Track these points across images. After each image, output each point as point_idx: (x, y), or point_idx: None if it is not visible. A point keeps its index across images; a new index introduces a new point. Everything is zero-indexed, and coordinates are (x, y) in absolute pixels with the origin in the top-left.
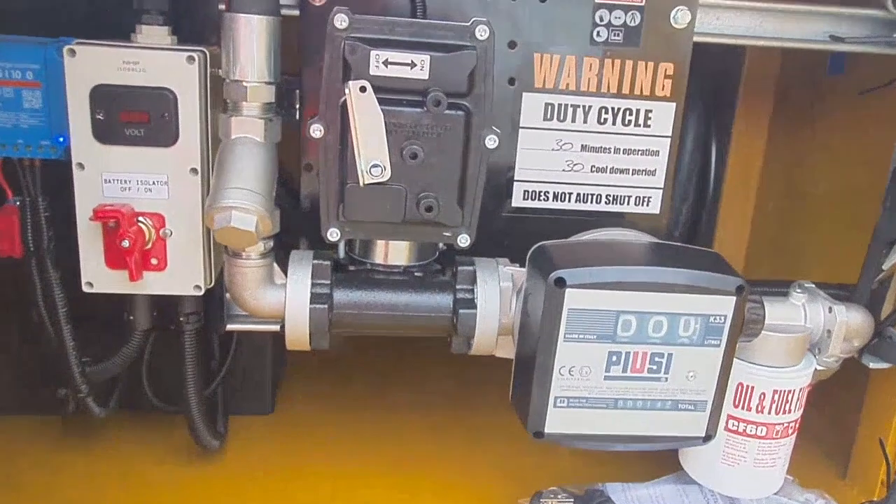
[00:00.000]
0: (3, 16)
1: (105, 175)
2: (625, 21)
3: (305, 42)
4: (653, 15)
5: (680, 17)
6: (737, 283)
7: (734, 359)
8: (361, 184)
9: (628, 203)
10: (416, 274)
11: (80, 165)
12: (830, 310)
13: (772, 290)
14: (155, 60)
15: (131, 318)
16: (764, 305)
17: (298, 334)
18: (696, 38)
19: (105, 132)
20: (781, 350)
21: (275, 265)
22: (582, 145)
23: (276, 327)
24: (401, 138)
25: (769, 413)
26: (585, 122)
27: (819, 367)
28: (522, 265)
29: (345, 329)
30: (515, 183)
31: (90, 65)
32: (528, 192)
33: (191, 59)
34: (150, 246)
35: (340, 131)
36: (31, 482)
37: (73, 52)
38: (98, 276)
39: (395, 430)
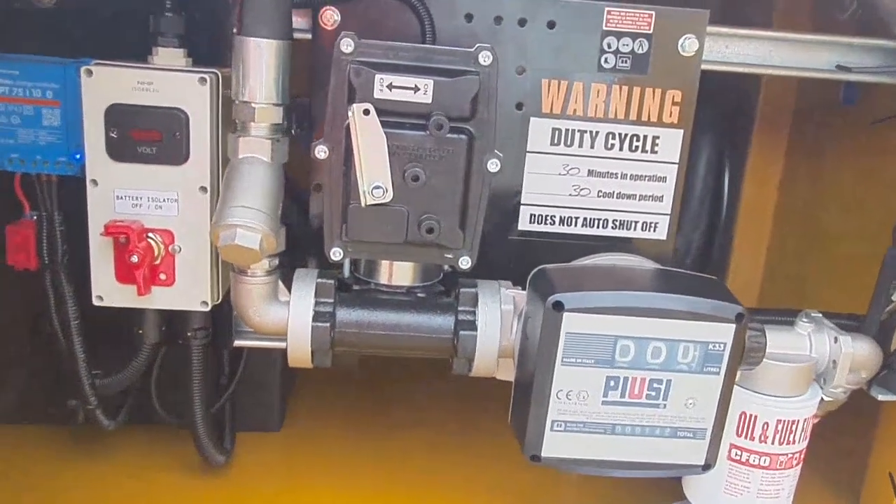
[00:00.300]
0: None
1: (117, 191)
2: (633, 49)
3: (317, 65)
4: (661, 43)
5: (688, 45)
6: (736, 311)
7: (737, 387)
8: (364, 204)
9: (635, 228)
10: (419, 295)
11: (94, 182)
12: (836, 340)
13: (778, 319)
14: (168, 81)
15: (140, 331)
16: (765, 333)
17: (301, 352)
18: (705, 66)
19: (118, 150)
20: (785, 379)
21: (280, 283)
22: (589, 170)
23: (283, 344)
24: (403, 160)
25: (773, 443)
26: (592, 147)
27: (826, 398)
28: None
29: (347, 348)
30: (522, 207)
31: (106, 84)
32: (534, 215)
33: (202, 80)
34: (159, 261)
35: (345, 153)
36: (40, 491)
37: (90, 73)
38: (108, 289)
39: (403, 448)
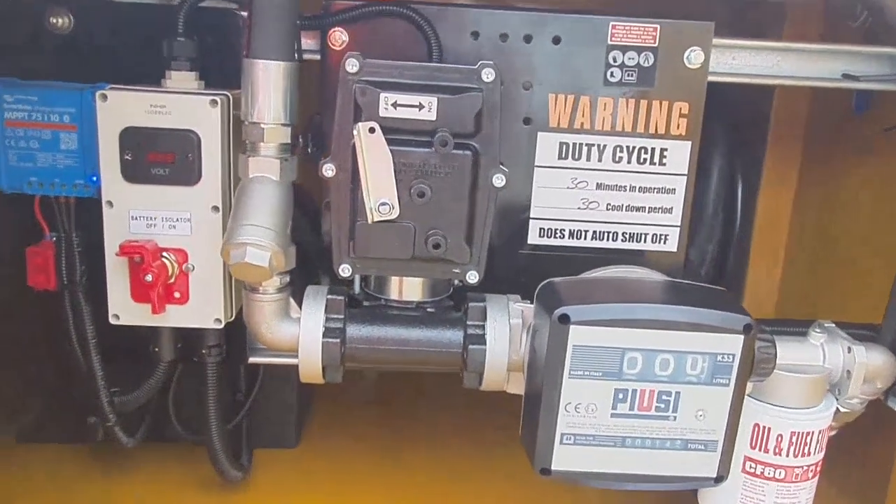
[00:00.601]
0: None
1: (132, 212)
2: (638, 62)
3: (326, 85)
4: (666, 56)
5: (693, 57)
6: (744, 322)
7: (750, 399)
8: (371, 221)
9: (645, 240)
10: (428, 310)
11: (110, 203)
12: (850, 350)
13: (791, 330)
14: (180, 104)
15: (156, 349)
16: (775, 344)
17: (312, 368)
18: (712, 78)
19: (133, 172)
20: (798, 391)
21: (291, 300)
22: (597, 183)
23: (296, 360)
24: (409, 177)
25: (788, 455)
26: (600, 160)
27: (842, 409)
28: None
29: (357, 363)
30: (531, 221)
31: (120, 108)
32: (543, 229)
33: (213, 102)
34: (173, 280)
35: (352, 171)
36: None
37: (104, 97)
38: (124, 308)
39: (419, 465)
